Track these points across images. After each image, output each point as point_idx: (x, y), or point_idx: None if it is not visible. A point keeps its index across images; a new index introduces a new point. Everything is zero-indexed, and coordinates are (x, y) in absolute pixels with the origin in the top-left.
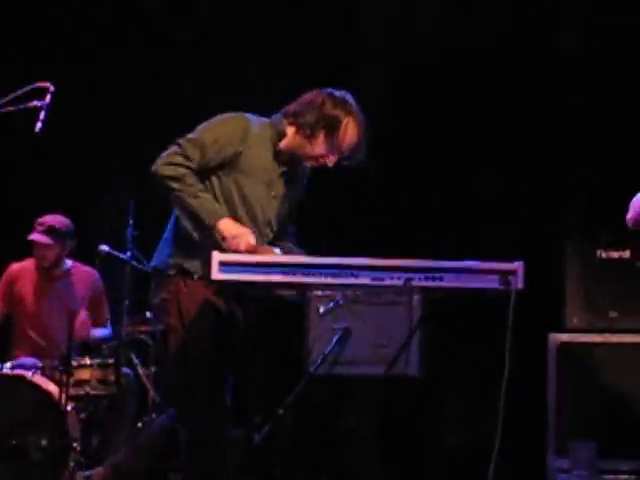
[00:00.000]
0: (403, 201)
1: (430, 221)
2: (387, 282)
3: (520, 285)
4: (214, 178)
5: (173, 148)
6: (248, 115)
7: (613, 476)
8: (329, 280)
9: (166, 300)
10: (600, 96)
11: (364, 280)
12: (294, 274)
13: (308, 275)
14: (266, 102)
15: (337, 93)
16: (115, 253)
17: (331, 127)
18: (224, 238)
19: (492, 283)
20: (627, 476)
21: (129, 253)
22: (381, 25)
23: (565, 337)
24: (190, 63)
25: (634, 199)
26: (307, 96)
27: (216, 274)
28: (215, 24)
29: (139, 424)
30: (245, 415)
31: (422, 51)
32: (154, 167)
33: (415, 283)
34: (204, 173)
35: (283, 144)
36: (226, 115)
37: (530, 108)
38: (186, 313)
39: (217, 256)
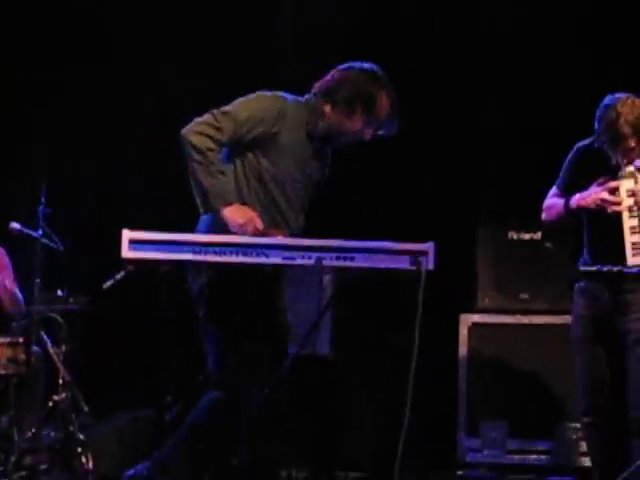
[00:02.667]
0: None
1: (344, 202)
2: (298, 262)
3: (431, 266)
4: (250, 156)
5: (207, 117)
6: (285, 95)
7: (522, 456)
8: (240, 259)
9: (207, 285)
10: (511, 88)
11: (275, 259)
12: (206, 253)
13: (219, 254)
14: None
15: (367, 67)
16: (26, 231)
17: (368, 102)
18: (229, 224)
19: (403, 263)
20: (536, 456)
21: (40, 231)
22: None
23: (476, 318)
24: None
25: (547, 201)
26: (338, 73)
27: (126, 252)
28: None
29: (49, 403)
30: (156, 395)
31: None
32: (184, 131)
33: (326, 263)
34: (238, 149)
35: (321, 122)
36: (263, 94)
37: (446, 97)
38: (228, 298)
39: (127, 234)
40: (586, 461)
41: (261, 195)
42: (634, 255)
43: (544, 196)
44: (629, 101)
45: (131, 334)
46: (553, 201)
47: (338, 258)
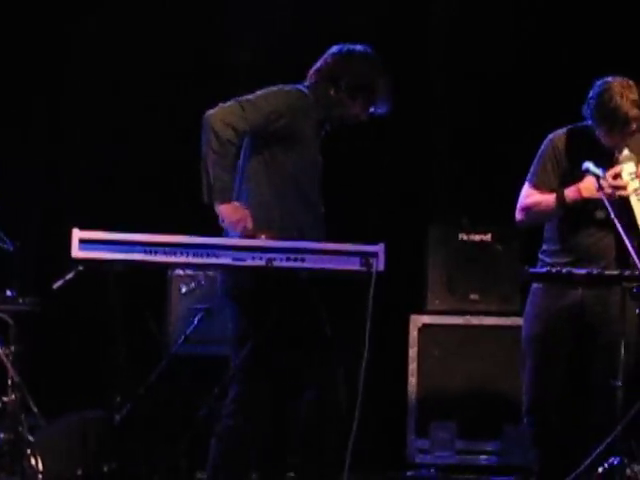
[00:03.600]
0: None
1: None
2: (249, 262)
3: (381, 267)
4: (273, 153)
5: (233, 105)
6: (300, 87)
7: (471, 456)
8: (190, 260)
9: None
10: (462, 87)
11: (225, 260)
12: (155, 253)
13: (169, 254)
14: None
15: (368, 53)
16: None
17: (370, 90)
18: (223, 220)
19: (353, 265)
20: (485, 456)
21: None
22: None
23: (426, 319)
24: None
25: (525, 201)
26: (339, 57)
27: (76, 252)
28: None
29: None
30: (105, 395)
31: None
32: (209, 114)
33: (277, 264)
34: (258, 147)
35: (323, 107)
36: (284, 87)
37: (397, 97)
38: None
39: (77, 233)
40: (533, 462)
41: (289, 191)
42: None
43: (495, 197)
44: (626, 84)
45: (81, 334)
46: (536, 199)
47: (288, 259)
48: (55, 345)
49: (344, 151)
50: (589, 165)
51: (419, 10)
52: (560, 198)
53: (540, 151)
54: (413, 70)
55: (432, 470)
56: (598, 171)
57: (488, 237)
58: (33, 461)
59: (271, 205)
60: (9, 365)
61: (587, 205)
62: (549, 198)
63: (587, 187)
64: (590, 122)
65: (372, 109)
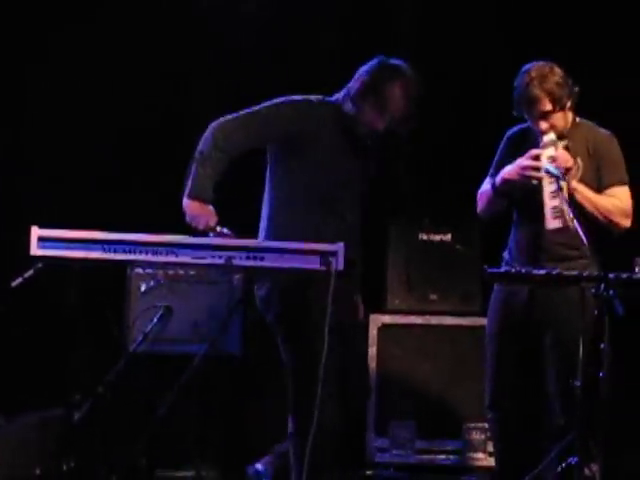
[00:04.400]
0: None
1: (255, 201)
2: (208, 261)
3: (340, 266)
4: (292, 164)
5: (237, 117)
6: (311, 97)
7: (431, 456)
8: (150, 258)
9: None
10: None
11: (185, 258)
12: (115, 251)
13: (129, 252)
14: None
15: (385, 60)
16: None
17: (374, 90)
18: (186, 214)
19: (313, 264)
20: (444, 456)
21: None
22: None
23: (386, 318)
24: None
25: (479, 191)
26: (361, 68)
27: (35, 250)
28: None
29: None
30: (64, 394)
31: None
32: (214, 125)
33: (236, 262)
34: (275, 156)
35: (350, 117)
36: (291, 97)
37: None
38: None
39: (36, 231)
40: (493, 461)
41: (299, 198)
42: (554, 218)
43: (456, 198)
44: (541, 64)
45: (40, 333)
46: (483, 188)
47: (248, 258)
48: (14, 343)
49: None
50: (548, 167)
51: (388, 11)
52: (492, 183)
53: (499, 146)
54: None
55: (391, 469)
56: (557, 172)
57: (448, 237)
58: None
59: (277, 214)
60: None
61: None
62: (488, 186)
63: (508, 169)
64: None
65: (391, 121)
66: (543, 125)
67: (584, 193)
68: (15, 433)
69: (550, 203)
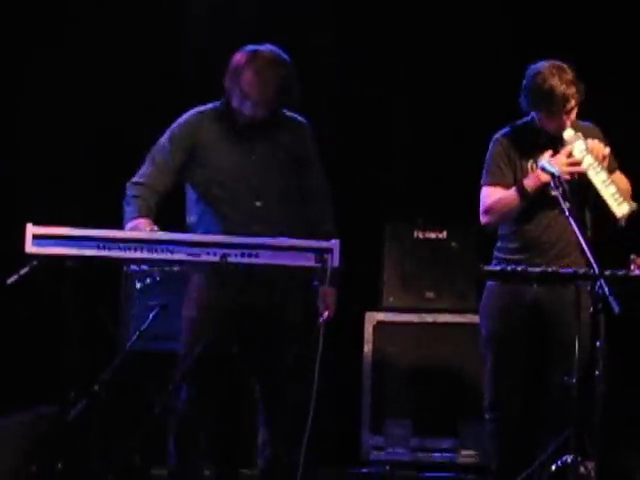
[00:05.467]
0: None
1: None
2: (203, 258)
3: (336, 263)
4: (193, 173)
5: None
6: (206, 105)
7: (426, 453)
8: (145, 255)
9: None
10: (419, 86)
11: (180, 256)
12: (110, 249)
13: (124, 250)
14: None
15: (245, 48)
16: None
17: (234, 81)
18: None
19: (308, 261)
20: (440, 454)
21: None
22: None
23: (381, 316)
24: None
25: (487, 201)
26: None
27: (30, 247)
28: None
29: None
30: (59, 391)
31: None
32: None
33: (231, 259)
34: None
35: (230, 110)
36: (182, 117)
37: (353, 93)
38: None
39: (30, 228)
40: (488, 459)
41: (203, 200)
42: (619, 204)
43: (451, 195)
44: (556, 62)
45: (35, 330)
46: (497, 196)
47: (243, 255)
48: (9, 341)
49: None
50: (544, 163)
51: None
52: (520, 188)
53: (489, 152)
54: (373, 69)
55: (387, 467)
56: (554, 169)
57: (444, 235)
58: None
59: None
60: None
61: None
62: (510, 192)
63: (543, 173)
64: (528, 110)
65: (253, 101)
66: (567, 121)
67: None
68: (10, 431)
69: (607, 191)
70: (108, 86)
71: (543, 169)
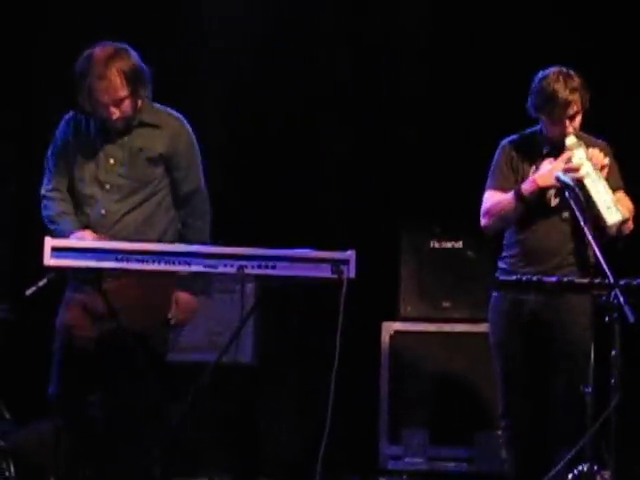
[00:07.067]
0: (242, 188)
1: (266, 210)
2: (220, 270)
3: (352, 274)
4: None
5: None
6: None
7: (444, 463)
8: (162, 267)
9: None
10: (429, 96)
11: (197, 267)
12: (128, 261)
13: (142, 262)
14: None
15: (94, 46)
16: None
17: (80, 82)
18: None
19: (324, 272)
20: (457, 463)
21: None
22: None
23: (398, 326)
24: None
25: (486, 205)
26: None
27: (48, 260)
28: None
29: None
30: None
31: None
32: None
33: (248, 271)
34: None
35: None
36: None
37: (364, 104)
38: None
39: (49, 241)
40: (505, 469)
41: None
42: (611, 213)
43: (467, 205)
44: (563, 68)
45: (53, 341)
46: (496, 199)
47: (260, 266)
48: (28, 351)
49: (317, 159)
50: (559, 174)
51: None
52: (518, 192)
53: (495, 158)
54: (385, 79)
55: (404, 477)
56: (569, 180)
57: (460, 244)
58: (5, 466)
59: None
60: None
61: (544, 198)
62: (507, 196)
63: (542, 176)
64: (533, 114)
65: (100, 104)
66: (570, 127)
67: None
68: (30, 440)
69: (601, 199)
70: None
71: (558, 179)
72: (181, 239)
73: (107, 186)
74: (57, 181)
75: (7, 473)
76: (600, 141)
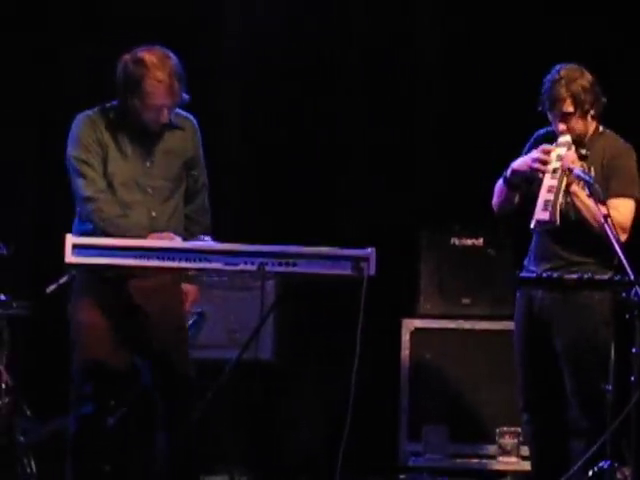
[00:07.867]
0: (261, 186)
1: (287, 208)
2: (241, 267)
3: (372, 272)
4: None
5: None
6: (87, 111)
7: (464, 460)
8: (183, 264)
9: None
10: (447, 90)
11: (217, 265)
12: (149, 258)
13: (163, 259)
14: None
15: (138, 51)
16: None
17: (133, 86)
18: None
19: (345, 269)
20: (477, 460)
21: None
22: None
23: (418, 323)
24: None
25: (498, 184)
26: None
27: (70, 257)
28: None
29: None
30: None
31: None
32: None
33: (268, 269)
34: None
35: (129, 115)
36: (74, 123)
37: (382, 101)
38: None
39: (70, 238)
40: (526, 465)
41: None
42: (543, 210)
43: (487, 202)
44: (573, 66)
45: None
46: (499, 182)
47: (280, 264)
48: (48, 348)
49: (336, 158)
50: (578, 172)
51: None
52: (504, 174)
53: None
54: (405, 79)
55: (424, 474)
56: (587, 177)
57: (480, 241)
58: (26, 463)
59: None
60: (2, 369)
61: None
62: (501, 179)
63: (518, 161)
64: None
65: (154, 107)
66: (561, 126)
67: (582, 198)
68: (51, 438)
69: (545, 196)
70: None
71: (578, 177)
72: (186, 233)
73: (149, 189)
74: (101, 182)
75: (28, 470)
76: (624, 143)
